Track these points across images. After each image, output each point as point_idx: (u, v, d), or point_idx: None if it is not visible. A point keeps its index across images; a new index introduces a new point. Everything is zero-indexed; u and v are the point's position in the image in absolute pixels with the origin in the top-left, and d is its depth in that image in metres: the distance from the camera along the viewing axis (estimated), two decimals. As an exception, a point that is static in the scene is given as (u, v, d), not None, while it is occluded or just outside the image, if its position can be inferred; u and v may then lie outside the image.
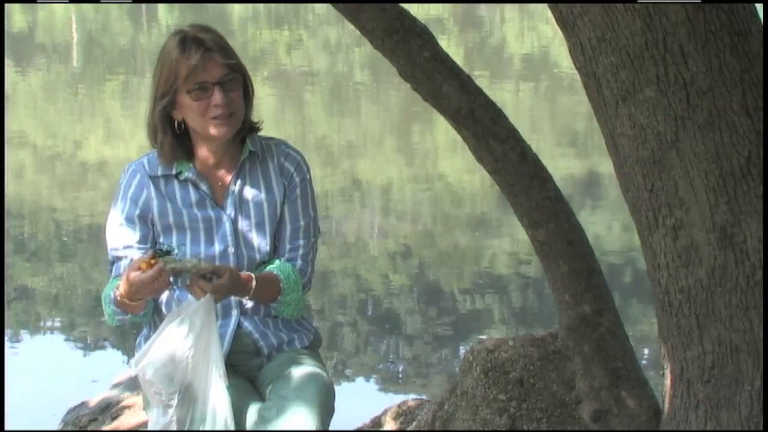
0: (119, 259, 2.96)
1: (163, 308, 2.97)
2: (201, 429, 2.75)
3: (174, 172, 2.97)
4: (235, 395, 2.79)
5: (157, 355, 2.74)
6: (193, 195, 2.97)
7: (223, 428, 2.73)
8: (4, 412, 4.02)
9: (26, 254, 8.51)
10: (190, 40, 2.87)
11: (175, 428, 2.76)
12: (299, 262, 3.01)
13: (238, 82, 2.92)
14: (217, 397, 2.74)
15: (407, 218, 9.47)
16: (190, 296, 2.82)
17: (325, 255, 8.26)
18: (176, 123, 2.93)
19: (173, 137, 2.94)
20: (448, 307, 7.33)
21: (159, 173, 2.97)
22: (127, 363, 6.01)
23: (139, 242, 2.95)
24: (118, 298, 2.83)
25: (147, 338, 3.00)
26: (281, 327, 3.02)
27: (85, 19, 25.35)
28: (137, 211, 2.95)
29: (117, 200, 2.98)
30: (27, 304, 7.48)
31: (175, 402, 2.75)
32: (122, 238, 2.95)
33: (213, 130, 2.90)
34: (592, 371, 3.01)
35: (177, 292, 2.94)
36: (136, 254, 2.93)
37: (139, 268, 2.74)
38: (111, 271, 2.98)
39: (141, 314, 2.91)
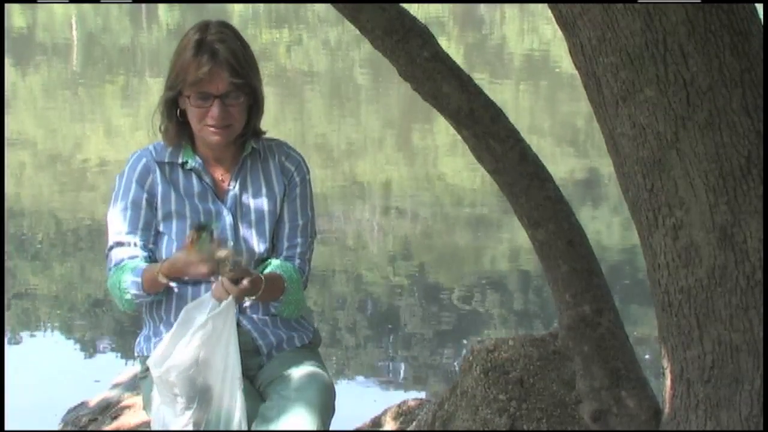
0: (120, 244, 2.95)
1: (163, 306, 2.97)
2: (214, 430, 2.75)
3: (180, 161, 2.98)
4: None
5: (181, 358, 2.73)
6: (196, 185, 2.98)
7: (234, 424, 2.74)
8: (4, 412, 4.02)
9: (26, 254, 8.51)
10: (206, 46, 2.86)
11: (191, 428, 2.75)
12: (297, 260, 3.01)
13: (241, 95, 2.91)
14: (232, 400, 2.75)
15: (407, 218, 9.47)
16: (205, 296, 2.82)
17: (325, 255, 8.26)
18: (179, 110, 2.95)
19: (177, 123, 2.96)
20: (448, 307, 7.32)
21: (165, 160, 2.98)
22: (126, 363, 6.01)
23: (143, 229, 2.94)
24: (158, 275, 2.85)
25: (147, 338, 3.00)
26: (280, 325, 3.03)
27: (85, 19, 25.36)
28: (144, 195, 2.95)
29: (121, 185, 2.97)
30: (27, 304, 7.48)
31: (195, 405, 2.75)
32: (126, 223, 2.94)
33: (206, 136, 2.93)
34: (592, 371, 3.01)
35: (177, 290, 2.94)
36: (138, 241, 2.93)
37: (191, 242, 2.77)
38: (107, 256, 2.97)
39: (160, 293, 2.94)
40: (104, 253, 3.02)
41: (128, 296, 2.91)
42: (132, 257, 2.93)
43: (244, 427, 2.75)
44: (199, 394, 2.75)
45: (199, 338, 2.73)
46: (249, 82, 2.90)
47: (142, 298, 2.91)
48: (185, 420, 2.75)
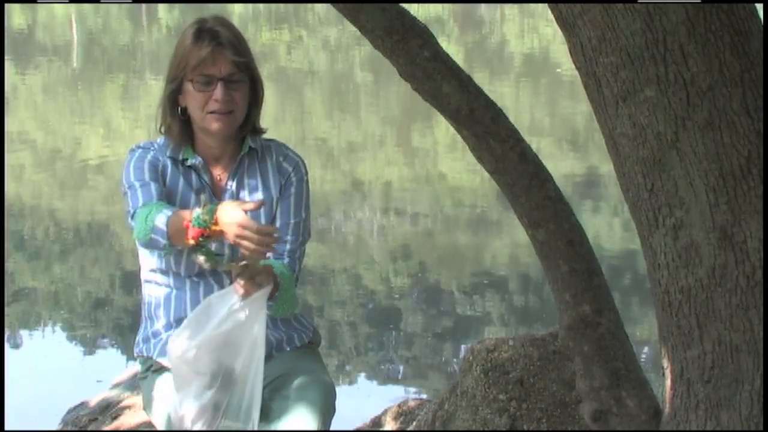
0: (146, 184, 2.88)
1: (162, 306, 2.97)
2: (237, 416, 2.74)
3: (181, 158, 2.97)
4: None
5: (213, 337, 2.72)
6: (195, 182, 2.98)
7: (256, 417, 2.73)
8: (4, 412, 4.02)
9: (26, 254, 8.52)
10: (206, 31, 2.89)
11: (210, 411, 2.74)
12: (286, 258, 2.99)
13: (244, 83, 2.92)
14: (255, 388, 2.74)
15: (407, 218, 9.48)
16: (228, 288, 2.78)
17: (326, 255, 8.27)
18: (180, 108, 2.95)
19: (180, 120, 2.96)
20: (448, 307, 7.33)
21: (168, 155, 2.97)
22: (127, 363, 6.02)
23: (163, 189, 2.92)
24: (188, 226, 2.68)
25: (146, 338, 3.00)
26: (280, 325, 3.02)
27: (85, 19, 25.38)
28: (159, 175, 2.93)
29: (132, 161, 2.94)
30: (27, 304, 7.49)
31: (217, 385, 2.74)
32: (146, 172, 2.91)
33: (209, 124, 2.92)
34: (592, 371, 3.01)
35: (175, 292, 2.94)
36: (160, 188, 2.89)
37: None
38: (131, 199, 2.88)
39: (178, 248, 2.82)
40: (126, 210, 2.92)
41: (150, 225, 2.75)
42: (160, 199, 2.86)
43: (257, 412, 2.74)
44: (223, 375, 2.74)
45: (231, 322, 2.72)
46: (250, 64, 2.92)
47: (160, 235, 2.75)
48: (205, 400, 2.74)
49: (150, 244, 2.83)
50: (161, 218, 2.75)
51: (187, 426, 2.75)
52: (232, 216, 2.65)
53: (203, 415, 2.74)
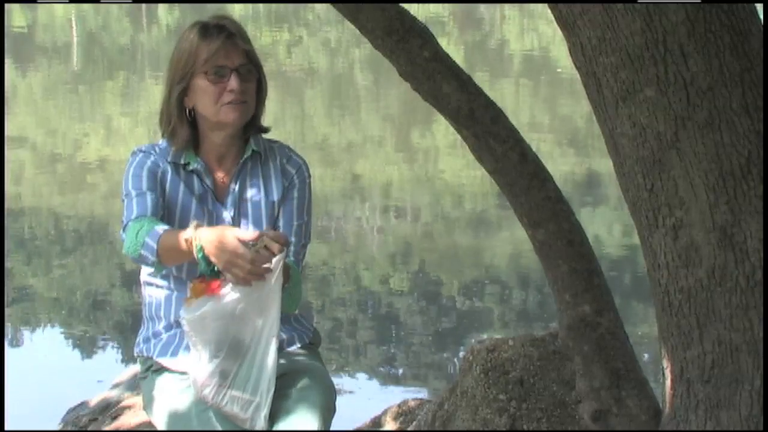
0: (143, 194, 2.88)
1: (162, 306, 2.97)
2: (244, 387, 2.74)
3: (182, 162, 2.97)
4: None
5: (218, 305, 2.72)
6: (197, 187, 2.97)
7: (265, 389, 2.74)
8: (4, 412, 4.02)
9: (26, 254, 8.51)
10: (212, 27, 2.90)
11: (217, 378, 2.75)
12: (291, 258, 3.00)
13: (253, 76, 2.93)
14: (265, 358, 2.74)
15: (407, 218, 9.48)
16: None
17: (326, 254, 8.27)
18: (187, 111, 2.94)
19: (188, 124, 2.95)
20: (448, 307, 7.33)
21: (169, 160, 2.97)
22: (126, 363, 6.02)
23: (160, 197, 2.91)
24: (183, 246, 2.70)
25: (147, 338, 3.00)
26: (280, 326, 3.02)
27: (85, 19, 25.38)
28: (158, 182, 2.93)
29: (132, 166, 2.94)
30: (27, 304, 7.49)
31: (222, 354, 2.74)
32: (144, 180, 2.91)
33: (224, 116, 2.90)
34: (592, 371, 3.01)
35: (176, 293, 2.94)
36: (156, 199, 2.88)
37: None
38: (126, 209, 2.88)
39: (168, 267, 2.85)
40: (121, 221, 2.92)
41: (141, 240, 2.75)
42: (153, 214, 2.85)
43: (272, 387, 2.74)
44: (229, 345, 2.74)
45: (239, 291, 2.72)
46: (256, 55, 2.93)
47: (149, 252, 2.75)
48: (212, 368, 2.74)
49: (139, 260, 2.82)
50: (152, 235, 2.75)
51: (197, 391, 2.76)
52: (225, 243, 2.64)
53: (211, 381, 2.75)
